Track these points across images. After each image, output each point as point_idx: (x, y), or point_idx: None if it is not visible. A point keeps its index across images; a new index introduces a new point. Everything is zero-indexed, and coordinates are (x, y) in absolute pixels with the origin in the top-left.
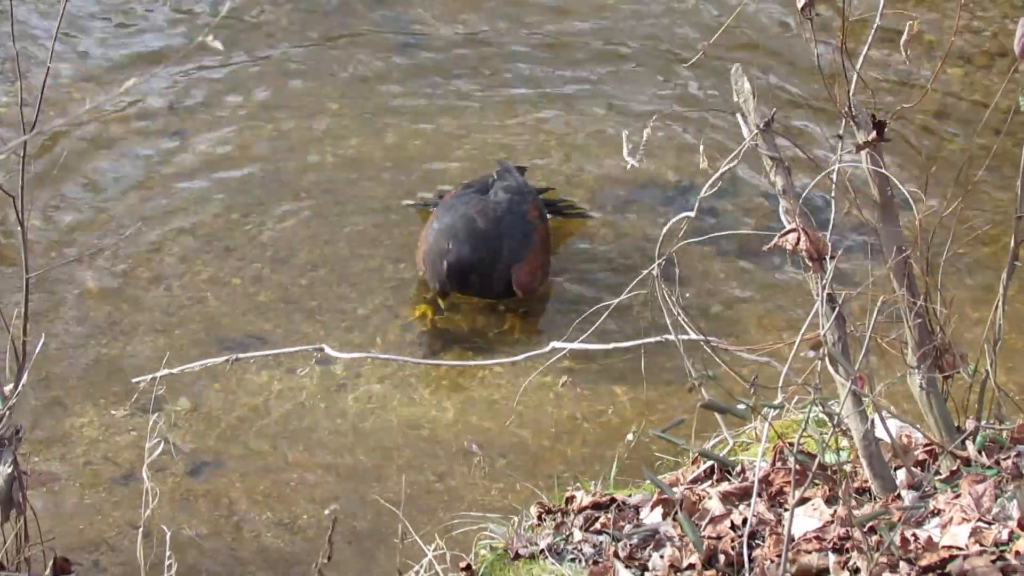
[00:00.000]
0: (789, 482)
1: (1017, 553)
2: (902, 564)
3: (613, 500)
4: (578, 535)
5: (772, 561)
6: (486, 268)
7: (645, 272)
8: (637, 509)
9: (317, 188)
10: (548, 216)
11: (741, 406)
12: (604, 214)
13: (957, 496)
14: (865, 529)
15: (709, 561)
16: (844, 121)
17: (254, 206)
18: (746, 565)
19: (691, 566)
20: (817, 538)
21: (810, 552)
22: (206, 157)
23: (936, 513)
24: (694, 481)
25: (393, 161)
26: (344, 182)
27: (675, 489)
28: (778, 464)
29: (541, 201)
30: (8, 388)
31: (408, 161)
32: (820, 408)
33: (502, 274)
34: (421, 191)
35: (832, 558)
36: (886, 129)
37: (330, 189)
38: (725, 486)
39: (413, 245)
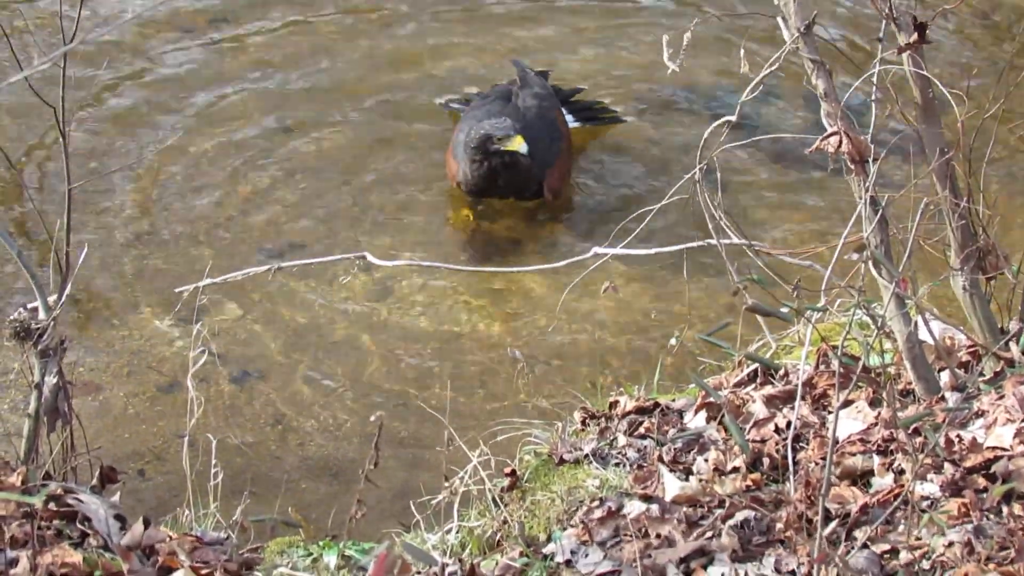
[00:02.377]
0: (833, 385)
1: None
2: (947, 465)
3: (657, 405)
4: (622, 440)
5: (816, 463)
6: (517, 177)
7: (687, 177)
8: (681, 413)
9: (356, 98)
10: (581, 124)
11: (784, 309)
12: (644, 119)
13: (1001, 397)
14: (909, 431)
15: (753, 464)
16: (885, 23)
17: (294, 116)
18: (791, 468)
19: (735, 469)
20: (861, 440)
21: (854, 454)
22: (247, 67)
23: (980, 414)
24: (738, 385)
25: (431, 69)
26: (384, 91)
27: (719, 393)
28: (822, 367)
29: (563, 107)
30: (52, 299)
31: (446, 69)
32: (863, 311)
33: (533, 178)
34: (447, 95)
35: (876, 460)
36: (927, 31)
37: (370, 99)
38: (769, 389)
39: None
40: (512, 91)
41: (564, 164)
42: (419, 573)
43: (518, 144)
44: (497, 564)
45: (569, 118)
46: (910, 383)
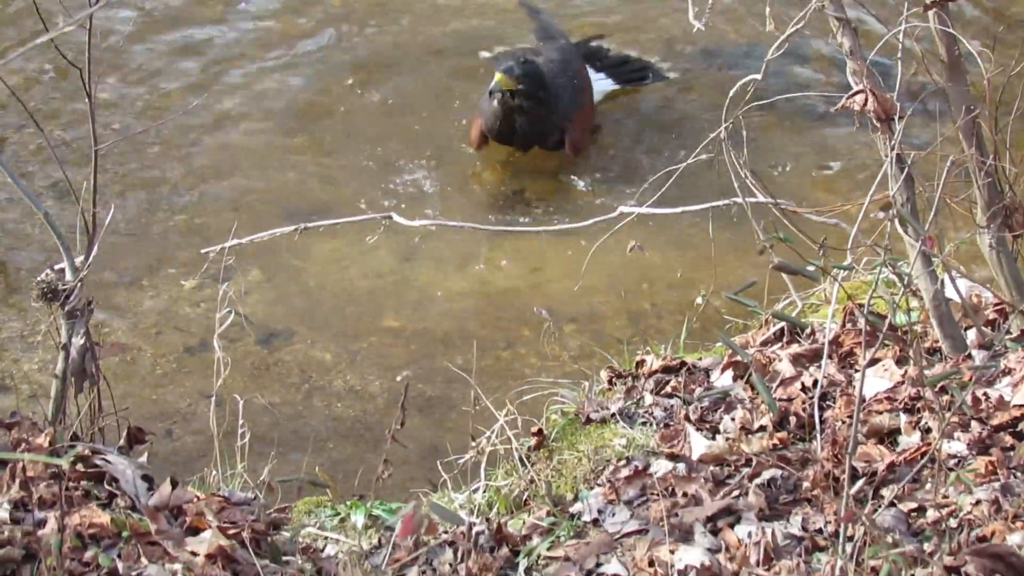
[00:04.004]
0: (859, 343)
1: None
2: (973, 423)
3: (683, 364)
4: (649, 399)
5: (843, 422)
6: (541, 113)
7: (713, 135)
8: (707, 372)
9: (381, 60)
10: (622, 87)
11: (811, 268)
12: (670, 77)
13: None
14: (936, 389)
15: (780, 423)
16: None
17: (319, 78)
18: (817, 426)
19: (762, 428)
20: (888, 398)
21: (881, 413)
22: (271, 30)
23: (1007, 372)
24: (764, 343)
25: (455, 31)
26: (408, 54)
27: (746, 351)
28: (848, 325)
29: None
30: (79, 260)
31: (471, 31)
32: (890, 269)
33: (555, 128)
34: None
35: (903, 418)
36: None
37: (394, 60)
38: (795, 348)
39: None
40: (539, 50)
41: (586, 117)
42: (446, 532)
43: (498, 78)
44: (524, 523)
45: (608, 82)
46: (937, 341)
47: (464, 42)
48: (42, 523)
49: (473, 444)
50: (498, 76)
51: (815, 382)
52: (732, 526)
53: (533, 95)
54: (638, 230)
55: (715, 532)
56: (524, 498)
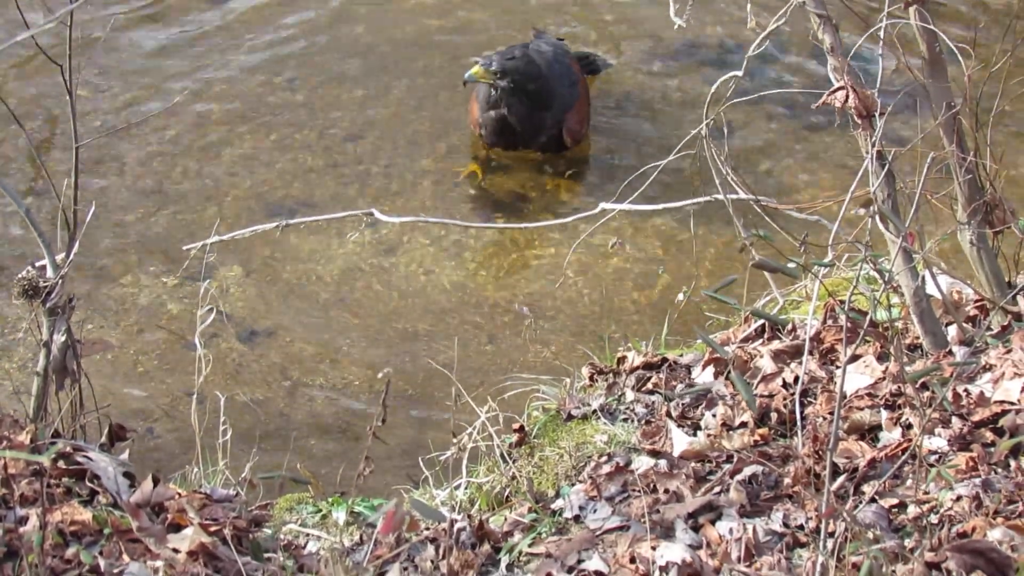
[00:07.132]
0: (840, 340)
1: None
2: (954, 419)
3: (664, 360)
4: (630, 395)
5: (824, 418)
6: (535, 118)
7: (694, 132)
8: (689, 369)
9: (362, 54)
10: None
11: (791, 265)
12: (651, 74)
13: (1009, 351)
14: (917, 385)
15: (761, 419)
16: None
17: (299, 73)
18: (798, 422)
19: (743, 424)
20: (869, 395)
21: (862, 409)
22: (248, 26)
23: (988, 368)
24: (745, 340)
25: (438, 26)
26: (389, 48)
27: (727, 348)
28: (829, 322)
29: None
30: (60, 257)
31: (454, 25)
32: (871, 265)
33: (552, 123)
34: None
35: (884, 414)
36: None
37: (375, 55)
38: (776, 345)
39: (459, 109)
40: (528, 45)
41: (583, 108)
42: (428, 529)
43: (474, 70)
44: (506, 520)
45: None
46: (917, 337)
47: (434, 45)
48: (23, 520)
49: (455, 441)
50: (474, 69)
51: (796, 378)
52: (713, 522)
53: (521, 88)
54: (620, 226)
55: (696, 528)
56: (506, 495)
